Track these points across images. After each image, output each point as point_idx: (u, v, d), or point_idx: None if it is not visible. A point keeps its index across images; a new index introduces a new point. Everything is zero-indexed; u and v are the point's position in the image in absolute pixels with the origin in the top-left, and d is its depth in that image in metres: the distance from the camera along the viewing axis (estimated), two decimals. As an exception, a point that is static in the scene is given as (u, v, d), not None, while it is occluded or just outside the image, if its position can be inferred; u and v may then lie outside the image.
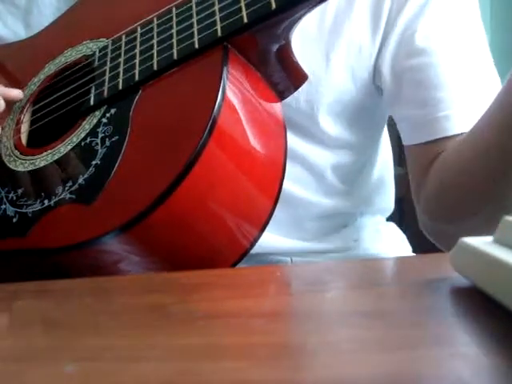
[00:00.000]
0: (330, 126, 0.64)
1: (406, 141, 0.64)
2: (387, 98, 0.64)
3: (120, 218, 0.41)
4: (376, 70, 0.62)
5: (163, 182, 0.41)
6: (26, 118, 0.55)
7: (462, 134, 0.58)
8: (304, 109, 0.62)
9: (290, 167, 0.62)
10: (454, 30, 0.61)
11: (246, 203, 0.45)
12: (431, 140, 0.60)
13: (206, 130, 0.41)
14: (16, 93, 0.57)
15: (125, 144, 0.45)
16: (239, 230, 0.46)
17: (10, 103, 0.57)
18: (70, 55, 0.57)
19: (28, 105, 0.56)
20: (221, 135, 0.42)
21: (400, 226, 0.78)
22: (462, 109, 0.59)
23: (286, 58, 0.49)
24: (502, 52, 0.65)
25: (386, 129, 0.73)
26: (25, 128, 0.54)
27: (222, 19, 0.47)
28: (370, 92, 0.64)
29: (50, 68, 0.57)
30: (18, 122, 0.55)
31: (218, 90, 0.43)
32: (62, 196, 0.45)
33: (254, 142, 0.46)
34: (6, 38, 0.67)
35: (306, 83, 0.54)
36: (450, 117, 0.59)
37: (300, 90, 0.55)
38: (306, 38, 0.60)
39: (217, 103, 0.42)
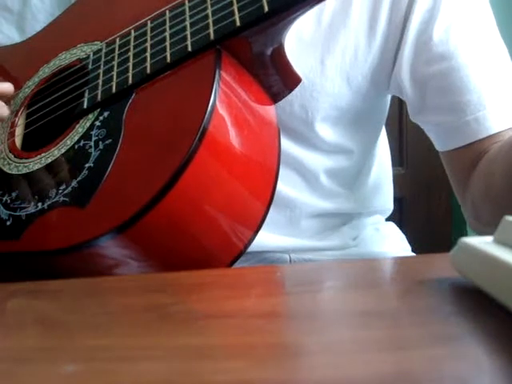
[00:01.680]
0: (326, 131, 0.63)
1: (440, 147, 0.63)
2: (411, 108, 0.64)
3: (113, 221, 0.41)
4: (392, 80, 0.62)
5: (155, 185, 0.41)
6: (20, 121, 0.55)
7: (499, 132, 0.58)
8: (298, 114, 0.61)
9: (283, 170, 0.62)
10: (469, 29, 0.60)
11: (238, 206, 0.46)
12: (466, 144, 0.60)
13: (198, 135, 0.41)
14: (6, 86, 0.56)
15: (118, 147, 0.45)
16: (232, 232, 0.46)
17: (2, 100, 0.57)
18: (65, 58, 0.57)
19: (22, 108, 0.56)
20: (212, 140, 0.42)
21: (400, 226, 0.78)
22: (492, 108, 0.58)
23: (279, 60, 0.49)
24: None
25: (384, 130, 0.73)
26: (19, 131, 0.54)
27: (214, 22, 0.47)
28: (366, 97, 0.63)
29: (45, 71, 0.57)
30: (13, 125, 0.55)
31: (210, 94, 0.43)
32: (55, 199, 0.45)
33: (246, 146, 0.46)
34: (1, 43, 0.67)
35: (300, 88, 0.54)
36: (480, 118, 0.58)
37: (294, 94, 0.55)
38: (301, 43, 0.60)
39: (208, 107, 0.42)
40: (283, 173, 0.62)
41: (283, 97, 0.51)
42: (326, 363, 0.23)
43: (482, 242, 0.30)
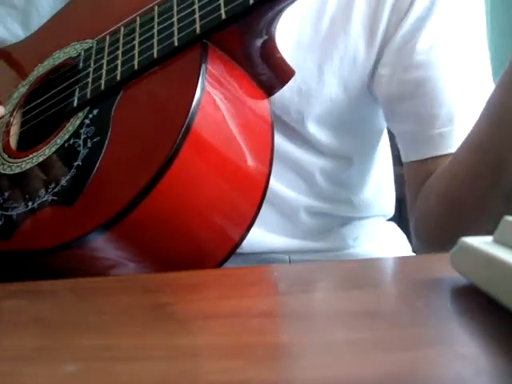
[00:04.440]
0: (319, 134, 0.63)
1: (403, 158, 0.63)
2: (385, 113, 0.64)
3: (99, 218, 0.41)
4: (374, 82, 0.62)
5: (140, 182, 0.41)
6: (15, 121, 0.55)
7: None
8: (294, 118, 0.61)
9: (281, 169, 0.62)
10: (454, 44, 0.60)
11: (227, 203, 0.45)
12: (425, 158, 0.60)
13: (181, 132, 0.41)
14: None
15: (105, 144, 0.45)
16: (223, 228, 0.46)
17: None
18: (58, 57, 0.57)
19: (17, 107, 0.56)
20: (197, 136, 0.42)
21: (400, 225, 0.78)
22: (459, 126, 0.58)
23: (270, 53, 0.49)
24: (502, 54, 0.65)
25: (385, 132, 0.73)
26: (14, 131, 0.54)
27: (201, 17, 0.47)
28: (364, 103, 0.63)
29: (39, 70, 0.58)
30: (8, 125, 0.55)
31: (195, 90, 0.42)
32: (45, 198, 0.45)
33: (235, 142, 0.45)
34: (7, 40, 0.67)
35: (296, 93, 0.54)
36: (446, 134, 0.58)
37: (291, 99, 0.55)
38: (299, 47, 0.60)
39: (193, 103, 0.42)
40: (281, 172, 0.62)
41: (277, 90, 0.50)
42: (326, 363, 0.23)
43: (481, 242, 0.30)
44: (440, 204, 0.57)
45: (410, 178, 0.63)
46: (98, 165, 0.44)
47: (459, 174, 0.54)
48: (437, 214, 0.57)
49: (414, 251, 0.75)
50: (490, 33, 0.63)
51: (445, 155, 0.58)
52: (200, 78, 0.43)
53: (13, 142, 0.54)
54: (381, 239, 0.73)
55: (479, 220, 0.48)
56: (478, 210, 0.53)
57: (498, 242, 0.30)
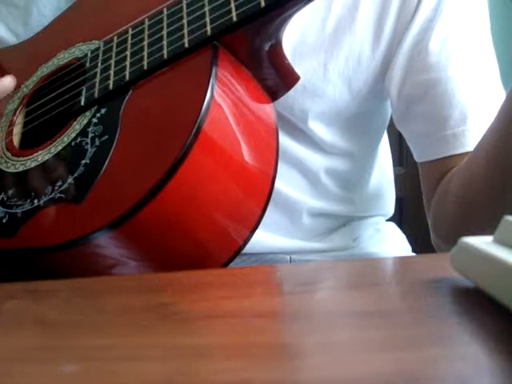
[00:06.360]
0: (323, 132, 0.63)
1: (417, 158, 0.64)
2: (395, 115, 0.64)
3: (108, 216, 0.41)
4: (385, 84, 0.62)
5: (149, 182, 0.41)
6: (18, 120, 0.55)
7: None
8: (298, 116, 0.62)
9: (285, 169, 0.62)
10: (463, 44, 0.60)
11: (234, 204, 0.45)
12: (439, 158, 0.60)
13: (192, 132, 0.41)
14: (8, 80, 0.56)
15: (114, 143, 0.45)
16: (228, 230, 0.46)
17: (2, 103, 0.57)
18: (63, 58, 0.57)
19: (21, 107, 0.56)
20: (207, 137, 0.42)
21: (400, 226, 0.78)
22: (472, 126, 0.58)
23: (277, 57, 0.49)
24: (501, 54, 0.65)
25: (385, 134, 0.73)
26: (17, 130, 0.54)
27: (212, 20, 0.47)
28: (367, 103, 0.63)
29: (43, 70, 0.58)
30: (11, 124, 0.55)
31: (206, 91, 0.42)
32: (51, 196, 0.45)
33: (243, 144, 0.45)
34: (8, 40, 0.67)
35: (301, 91, 0.53)
36: (459, 134, 0.58)
37: (295, 97, 0.54)
38: (305, 47, 0.60)
39: (204, 104, 0.42)
40: (285, 172, 0.62)
41: (282, 95, 0.51)
42: (326, 363, 0.23)
43: (481, 242, 0.30)
44: (456, 204, 0.57)
45: (425, 177, 0.64)
46: (106, 163, 0.44)
47: (474, 177, 0.55)
48: (453, 213, 0.58)
49: (413, 250, 0.75)
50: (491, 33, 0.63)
51: (459, 154, 0.59)
52: (211, 79, 0.43)
53: (15, 141, 0.54)
54: (381, 239, 0.73)
55: (494, 221, 0.49)
56: (492, 212, 0.53)
57: (498, 242, 0.30)
